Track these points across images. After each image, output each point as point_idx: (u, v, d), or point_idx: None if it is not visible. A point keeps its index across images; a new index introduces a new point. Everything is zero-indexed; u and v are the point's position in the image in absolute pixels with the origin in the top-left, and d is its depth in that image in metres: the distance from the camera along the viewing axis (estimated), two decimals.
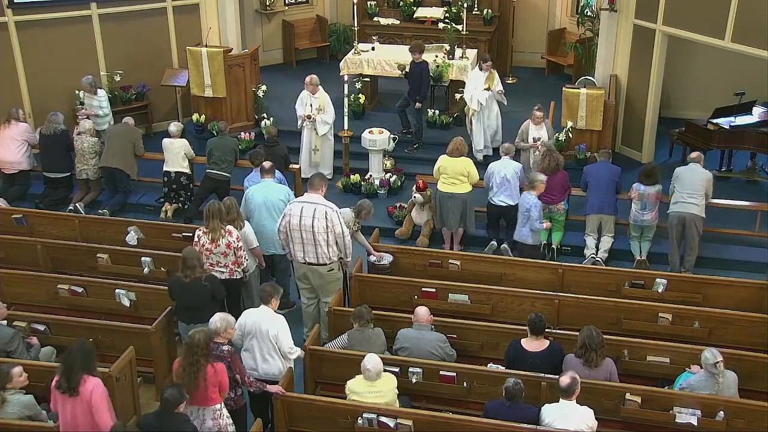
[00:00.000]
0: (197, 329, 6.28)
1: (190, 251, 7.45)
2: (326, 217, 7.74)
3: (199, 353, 6.08)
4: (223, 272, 7.91)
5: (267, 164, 8.95)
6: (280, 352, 6.85)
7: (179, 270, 7.37)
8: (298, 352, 7.02)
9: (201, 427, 6.17)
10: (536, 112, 10.47)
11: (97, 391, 6.00)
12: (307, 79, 11.14)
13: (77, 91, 11.80)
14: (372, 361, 6.48)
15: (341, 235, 7.84)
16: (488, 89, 11.20)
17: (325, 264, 7.89)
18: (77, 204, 10.58)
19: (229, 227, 7.90)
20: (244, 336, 6.88)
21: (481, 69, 11.29)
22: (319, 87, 11.11)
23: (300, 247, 7.87)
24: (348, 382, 6.63)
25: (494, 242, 9.95)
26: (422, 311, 7.28)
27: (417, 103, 11.55)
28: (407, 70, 11.62)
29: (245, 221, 8.29)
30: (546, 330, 7.06)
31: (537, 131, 10.44)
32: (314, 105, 11.05)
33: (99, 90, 11.36)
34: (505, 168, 9.74)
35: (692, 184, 9.33)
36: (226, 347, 6.50)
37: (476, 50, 13.25)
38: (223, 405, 6.35)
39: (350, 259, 8.17)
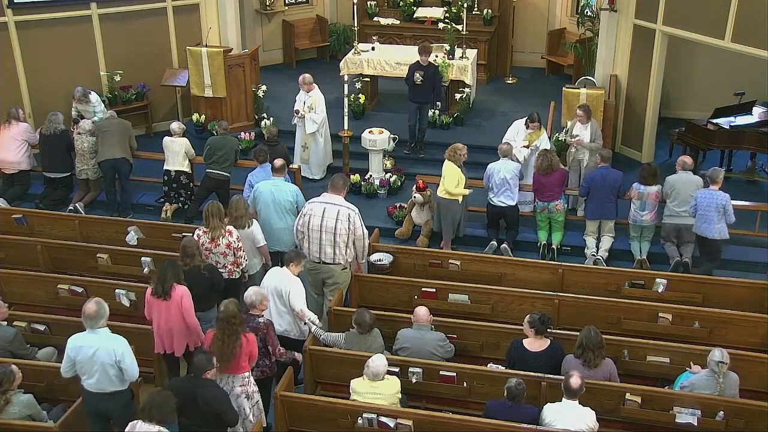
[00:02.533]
0: (227, 300, 6.54)
1: (189, 240, 7.59)
2: (348, 220, 7.83)
3: (236, 322, 6.40)
4: (222, 272, 7.92)
5: (278, 163, 8.98)
6: (293, 312, 7.25)
7: (179, 259, 7.48)
8: (309, 315, 7.31)
9: (230, 393, 6.46)
10: (577, 111, 10.38)
11: (186, 297, 6.96)
12: (300, 78, 11.15)
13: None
14: (375, 360, 6.51)
15: (361, 237, 7.95)
16: (527, 146, 10.37)
17: (340, 263, 7.98)
18: (77, 204, 10.58)
19: (229, 227, 7.94)
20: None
21: (526, 126, 10.36)
22: (314, 85, 11.09)
23: (317, 247, 7.93)
24: (352, 381, 6.64)
25: (494, 242, 9.96)
26: (422, 311, 7.28)
27: (437, 103, 11.64)
28: (422, 77, 11.21)
29: (252, 219, 8.32)
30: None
31: (579, 130, 10.36)
32: (307, 103, 11.06)
33: (91, 95, 11.24)
34: (504, 168, 9.74)
35: (687, 196, 9.34)
36: (261, 319, 6.84)
37: (476, 50, 13.26)
38: (250, 373, 6.65)
39: (365, 261, 8.30)
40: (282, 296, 7.28)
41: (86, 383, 6.36)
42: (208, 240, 7.87)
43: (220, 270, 7.88)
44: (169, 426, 5.71)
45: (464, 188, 9.62)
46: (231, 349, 6.36)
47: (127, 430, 5.69)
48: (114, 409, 6.42)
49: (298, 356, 7.13)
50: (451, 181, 9.47)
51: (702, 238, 9.17)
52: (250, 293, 6.88)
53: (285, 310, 7.31)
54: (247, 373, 6.58)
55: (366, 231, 8.06)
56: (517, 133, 10.47)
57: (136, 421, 5.68)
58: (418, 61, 11.34)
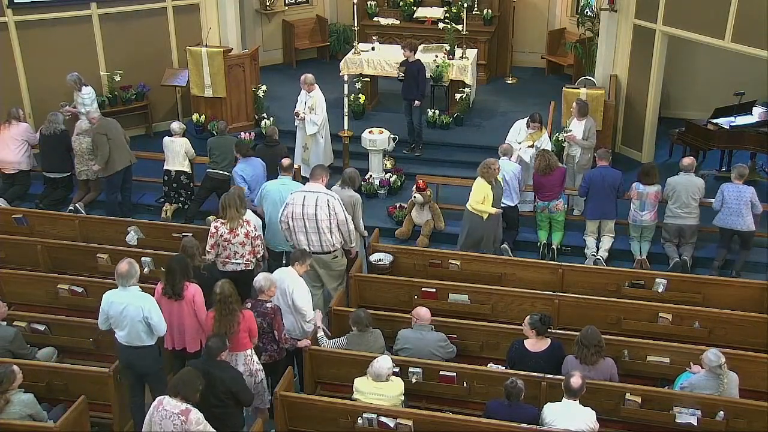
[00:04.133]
0: (221, 280, 6.77)
1: (189, 240, 7.65)
2: (328, 205, 7.94)
3: (232, 300, 6.61)
4: (239, 263, 7.99)
5: (286, 162, 9.04)
6: (297, 312, 7.30)
7: None
8: (311, 315, 7.37)
9: None
10: (573, 104, 10.43)
11: (198, 295, 7.00)
12: (302, 78, 11.14)
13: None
14: (380, 361, 6.51)
15: (344, 222, 8.05)
16: (532, 146, 10.36)
17: (329, 252, 8.08)
18: (77, 204, 10.58)
19: (247, 217, 8.03)
20: None
21: (527, 126, 10.34)
22: (315, 86, 11.09)
23: (304, 237, 8.03)
24: (356, 379, 6.65)
25: None
26: (423, 312, 7.28)
27: (416, 101, 11.50)
28: (402, 74, 11.44)
29: (246, 208, 8.32)
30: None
31: (574, 125, 10.39)
32: (308, 103, 11.07)
33: (84, 87, 11.11)
34: (503, 168, 9.72)
35: (687, 198, 9.40)
36: (269, 304, 6.99)
37: (476, 50, 13.27)
38: (253, 351, 6.82)
39: (354, 245, 8.37)
40: (286, 295, 7.30)
41: (118, 336, 6.82)
42: (227, 231, 7.90)
43: (237, 261, 7.95)
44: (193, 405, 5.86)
45: (492, 207, 9.12)
46: (229, 327, 6.57)
47: (153, 404, 5.87)
48: (142, 362, 6.84)
49: (305, 344, 7.19)
50: (476, 196, 9.13)
51: (730, 231, 9.35)
52: (260, 278, 7.01)
53: (288, 310, 7.34)
54: (249, 351, 6.75)
55: (349, 216, 8.14)
56: (518, 133, 10.47)
57: (163, 396, 5.86)
58: (406, 57, 11.46)
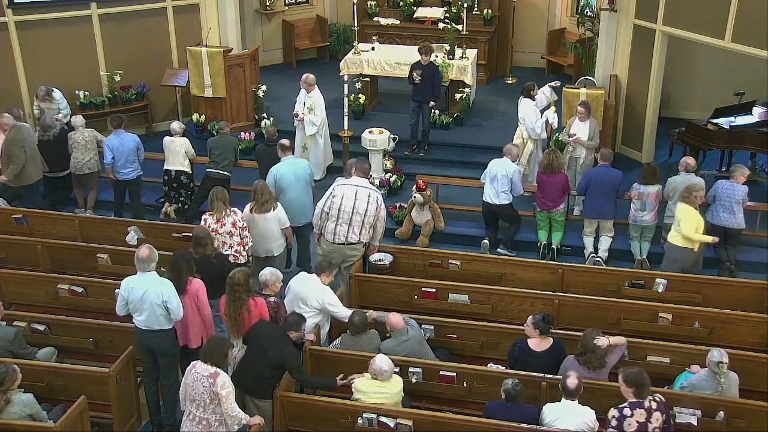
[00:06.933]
0: (236, 269, 6.98)
1: (201, 229, 7.82)
2: (377, 203, 8.29)
3: (240, 290, 6.83)
4: (228, 253, 8.11)
5: (286, 142, 9.39)
6: (334, 317, 7.49)
7: (191, 247, 7.71)
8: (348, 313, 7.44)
9: None
10: (578, 107, 10.41)
11: (201, 290, 7.12)
12: (303, 77, 11.17)
13: (77, 91, 11.86)
14: (386, 362, 6.49)
15: (383, 218, 8.41)
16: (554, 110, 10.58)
17: (361, 242, 8.35)
18: (87, 211, 10.61)
19: (234, 208, 8.25)
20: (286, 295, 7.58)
21: (533, 98, 10.58)
22: (315, 87, 11.10)
23: (346, 229, 8.21)
24: (356, 381, 6.64)
25: (486, 240, 9.98)
26: (395, 321, 7.08)
27: (431, 102, 11.58)
28: (419, 77, 11.40)
29: (277, 203, 8.54)
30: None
31: (577, 128, 10.39)
32: (307, 104, 11.07)
33: (54, 93, 11.16)
34: (499, 167, 9.72)
35: None
36: (273, 299, 7.17)
37: (476, 50, 13.27)
38: None
39: (377, 244, 8.63)
40: (307, 303, 7.35)
41: (137, 320, 6.98)
42: (213, 221, 8.12)
43: (225, 252, 8.06)
44: (224, 369, 6.23)
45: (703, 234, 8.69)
46: (238, 313, 6.81)
47: (188, 368, 6.24)
48: (160, 345, 7.00)
49: (312, 337, 7.25)
50: (690, 225, 8.54)
51: (722, 229, 9.38)
52: (266, 272, 7.10)
53: (306, 316, 7.28)
54: None
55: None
56: (530, 110, 10.53)
57: (196, 362, 6.21)
58: (419, 60, 11.41)
